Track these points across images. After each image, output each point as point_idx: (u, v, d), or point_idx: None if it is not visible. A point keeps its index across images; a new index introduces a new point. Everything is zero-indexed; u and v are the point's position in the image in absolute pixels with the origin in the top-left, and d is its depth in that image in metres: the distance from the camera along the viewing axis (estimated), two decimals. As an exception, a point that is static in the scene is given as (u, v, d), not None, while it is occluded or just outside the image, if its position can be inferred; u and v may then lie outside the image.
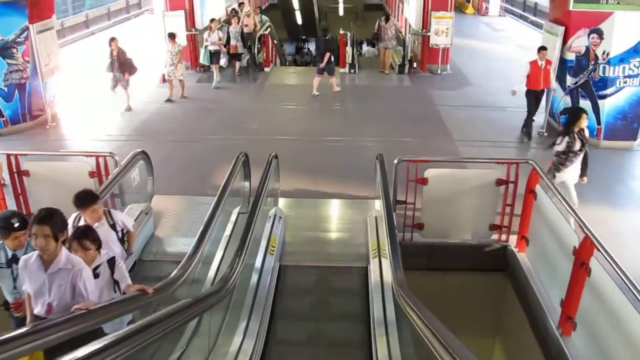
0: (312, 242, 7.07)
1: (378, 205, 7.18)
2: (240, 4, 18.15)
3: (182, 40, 14.91)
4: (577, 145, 7.27)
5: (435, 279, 6.81)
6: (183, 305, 3.99)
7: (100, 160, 6.84)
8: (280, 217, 7.01)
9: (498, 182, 6.55)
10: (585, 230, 4.73)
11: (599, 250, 4.47)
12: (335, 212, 8.10)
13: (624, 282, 4.10)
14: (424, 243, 6.82)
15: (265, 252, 6.20)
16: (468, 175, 6.72)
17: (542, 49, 10.43)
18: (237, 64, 15.99)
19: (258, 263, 6.00)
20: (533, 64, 10.43)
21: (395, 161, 6.67)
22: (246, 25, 16.60)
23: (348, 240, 7.13)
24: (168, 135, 11.10)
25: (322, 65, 13.77)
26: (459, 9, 26.98)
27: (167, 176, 8.95)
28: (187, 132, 11.38)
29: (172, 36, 13.41)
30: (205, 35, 14.83)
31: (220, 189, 5.95)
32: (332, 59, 13.95)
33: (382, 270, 5.97)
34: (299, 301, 6.15)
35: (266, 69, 16.53)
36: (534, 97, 10.67)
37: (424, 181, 6.55)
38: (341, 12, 30.41)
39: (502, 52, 19.62)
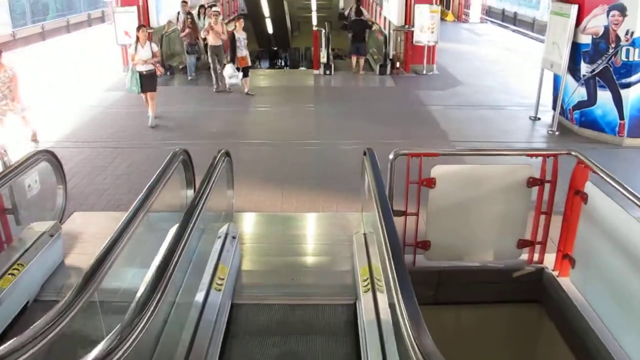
0: (280, 271, 5.20)
1: (369, 218, 5.35)
2: (211, 6, 16.16)
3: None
4: None
5: (446, 315, 5.10)
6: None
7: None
8: (234, 237, 5.12)
9: (530, 182, 4.78)
10: None
11: None
12: (311, 229, 6.24)
13: None
14: (430, 268, 5.00)
15: (209, 288, 4.30)
16: (490, 173, 4.91)
17: None
18: (247, 82, 12.43)
19: (194, 308, 4.09)
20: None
21: (391, 156, 4.86)
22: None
23: (328, 267, 5.28)
24: (107, 140, 9.16)
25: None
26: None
27: (99, 189, 7.05)
28: (131, 137, 9.43)
29: None
30: (131, 50, 10.08)
31: (139, 199, 4.04)
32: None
33: (379, 310, 4.12)
34: (258, 357, 4.25)
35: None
36: None
37: (431, 182, 4.76)
38: (314, 22, 28.82)
39: (488, 54, 18.23)
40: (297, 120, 10.50)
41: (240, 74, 11.83)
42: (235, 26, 12.33)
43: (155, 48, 10.03)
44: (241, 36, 12.05)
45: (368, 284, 4.39)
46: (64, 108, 11.15)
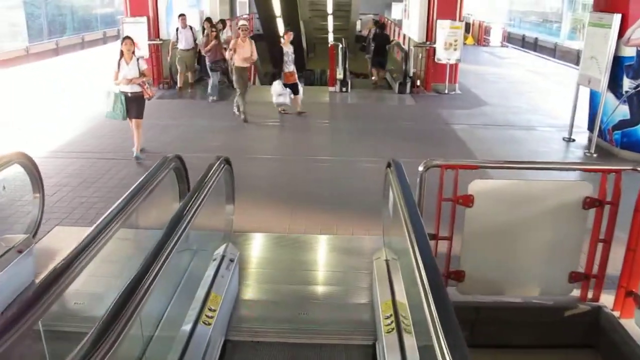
0: (285, 303, 4.40)
1: (393, 242, 4.54)
2: (221, 21, 15.52)
3: (143, 50, 12.44)
4: None
5: (482, 360, 4.19)
6: None
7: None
8: (232, 261, 4.31)
9: (587, 202, 3.97)
10: None
11: None
12: (322, 254, 5.43)
13: None
14: (465, 304, 4.17)
15: (196, 321, 3.49)
16: (539, 191, 4.09)
17: None
18: (299, 100, 11.27)
19: (177, 345, 3.29)
20: None
21: (421, 167, 4.08)
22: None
23: (343, 299, 4.47)
24: (102, 152, 8.45)
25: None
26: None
27: (87, 202, 6.34)
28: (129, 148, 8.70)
29: None
30: (113, 68, 8.09)
31: (111, 210, 3.27)
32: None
33: (406, 356, 3.28)
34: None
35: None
36: None
37: (468, 200, 3.97)
38: (331, 43, 28.26)
39: (513, 75, 17.44)
40: (309, 136, 9.77)
41: (288, 91, 10.74)
42: (284, 39, 11.32)
43: (144, 66, 8.10)
44: (289, 50, 10.96)
45: (392, 322, 3.56)
46: (63, 120, 10.50)
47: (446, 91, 13.66)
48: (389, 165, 4.34)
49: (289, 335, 3.98)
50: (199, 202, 3.55)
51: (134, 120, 8.11)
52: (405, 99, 13.17)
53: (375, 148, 8.80)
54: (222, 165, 4.31)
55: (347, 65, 13.68)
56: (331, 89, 13.74)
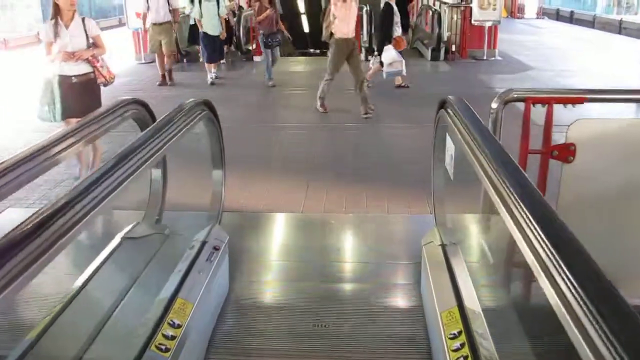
0: (294, 309, 3.01)
1: (452, 218, 3.14)
2: None
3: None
4: None
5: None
6: None
7: None
8: (217, 249, 2.94)
9: None
10: None
11: None
12: (348, 239, 4.01)
13: None
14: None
15: (145, 347, 2.15)
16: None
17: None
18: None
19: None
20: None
21: (495, 103, 2.69)
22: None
23: (377, 304, 3.04)
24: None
25: None
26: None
27: (51, 179, 5.07)
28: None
29: None
30: (45, 36, 4.95)
31: None
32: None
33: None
34: None
35: (256, 59, 12.59)
36: None
37: (566, 152, 2.57)
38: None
39: (554, 42, 15.83)
40: (332, 102, 8.36)
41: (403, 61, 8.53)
42: None
43: (96, 30, 5.08)
44: (395, 8, 8.75)
45: (462, 344, 2.17)
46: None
47: (484, 57, 12.14)
48: (442, 106, 2.94)
49: (300, 358, 2.64)
50: (165, 136, 2.23)
51: (72, 120, 4.67)
52: (439, 66, 11.71)
53: (407, 114, 7.42)
54: (199, 109, 2.96)
55: (372, 31, 12.19)
56: (356, 57, 12.32)
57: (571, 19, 27.94)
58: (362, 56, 12.13)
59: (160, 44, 9.67)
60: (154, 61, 10.49)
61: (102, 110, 2.89)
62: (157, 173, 3.40)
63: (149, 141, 2.32)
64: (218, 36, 9.96)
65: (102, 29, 19.32)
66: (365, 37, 12.24)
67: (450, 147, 2.75)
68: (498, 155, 2.00)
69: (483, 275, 2.86)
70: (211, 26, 9.75)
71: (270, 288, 3.20)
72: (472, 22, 12.02)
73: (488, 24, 12.01)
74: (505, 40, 14.39)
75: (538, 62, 11.90)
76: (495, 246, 2.97)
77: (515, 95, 2.64)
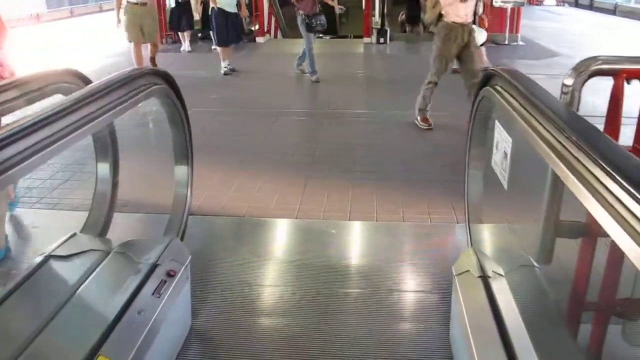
0: (283, 356, 2.19)
1: (495, 235, 2.30)
2: None
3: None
4: None
5: None
6: None
7: None
8: (172, 275, 2.12)
9: None
10: None
11: None
12: (353, 257, 3.15)
13: None
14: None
15: None
16: None
17: None
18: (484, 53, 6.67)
19: None
20: None
21: (570, 79, 1.85)
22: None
23: (391, 357, 2.22)
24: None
25: None
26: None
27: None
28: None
29: None
30: None
31: None
32: None
33: None
34: None
35: (259, 40, 11.72)
36: None
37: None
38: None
39: (577, 29, 14.91)
40: (338, 88, 7.50)
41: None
42: None
43: None
44: None
45: None
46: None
47: (506, 42, 11.22)
48: (486, 82, 2.09)
49: None
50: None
51: None
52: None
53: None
54: (147, 81, 2.12)
55: (385, 11, 11.29)
56: (366, 39, 11.46)
57: (591, 6, 27.01)
58: (374, 39, 11.30)
59: (142, 32, 7.41)
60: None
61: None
62: (104, 168, 2.58)
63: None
64: (236, 14, 8.11)
65: (104, 10, 18.41)
66: (377, 18, 11.35)
67: (502, 139, 1.91)
68: (607, 149, 1.17)
69: (546, 326, 2.03)
70: (227, 1, 7.95)
71: (248, 325, 2.39)
72: (493, 3, 11.07)
73: (510, 5, 11.09)
74: (525, 26, 13.45)
75: (562, 48, 10.99)
76: (567, 286, 2.13)
77: (603, 67, 1.80)
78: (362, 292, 2.62)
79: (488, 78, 2.10)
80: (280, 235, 3.32)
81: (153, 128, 5.32)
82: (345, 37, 24.10)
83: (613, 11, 24.57)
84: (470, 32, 5.33)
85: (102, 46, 11.05)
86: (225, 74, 8.16)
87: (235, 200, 3.59)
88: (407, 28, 13.31)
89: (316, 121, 5.91)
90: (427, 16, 5.54)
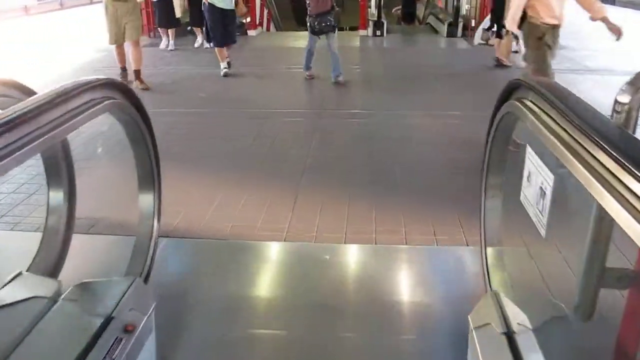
0: None
1: (520, 275, 1.91)
2: None
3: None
4: None
5: None
6: None
7: None
8: (129, 331, 1.74)
9: None
10: None
11: None
12: (349, 291, 2.75)
13: None
14: None
15: None
16: None
17: None
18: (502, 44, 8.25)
19: None
20: None
21: (624, 97, 1.43)
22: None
23: None
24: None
25: None
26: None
27: None
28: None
29: None
30: None
31: None
32: None
33: None
34: None
35: (251, 33, 11.26)
36: None
37: None
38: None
39: (579, 20, 14.40)
40: (334, 86, 7.08)
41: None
42: None
43: None
44: None
45: None
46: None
47: (507, 34, 10.81)
48: (510, 94, 1.71)
49: None
50: None
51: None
52: (457, 43, 10.38)
53: (429, 100, 6.16)
54: (97, 95, 1.72)
55: (381, 3, 10.85)
56: (362, 32, 11.05)
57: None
58: (370, 31, 10.89)
59: (124, 31, 6.62)
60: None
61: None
62: (56, 196, 2.19)
63: None
64: (232, 11, 7.33)
65: (70, 8, 17.87)
66: (374, 10, 10.92)
67: (536, 171, 1.52)
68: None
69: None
70: None
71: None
72: (493, -7, 10.67)
73: (511, -4, 10.67)
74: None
75: (567, 40, 10.54)
76: (611, 346, 1.74)
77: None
78: (360, 337, 2.24)
79: (514, 88, 1.72)
80: (266, 264, 2.91)
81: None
82: (341, 29, 23.64)
83: (612, 1, 24.22)
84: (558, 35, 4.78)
85: (92, 40, 10.59)
86: (225, 75, 7.50)
87: (217, 219, 3.19)
88: (402, 24, 13.00)
89: (309, 123, 5.51)
90: (510, 14, 4.48)
